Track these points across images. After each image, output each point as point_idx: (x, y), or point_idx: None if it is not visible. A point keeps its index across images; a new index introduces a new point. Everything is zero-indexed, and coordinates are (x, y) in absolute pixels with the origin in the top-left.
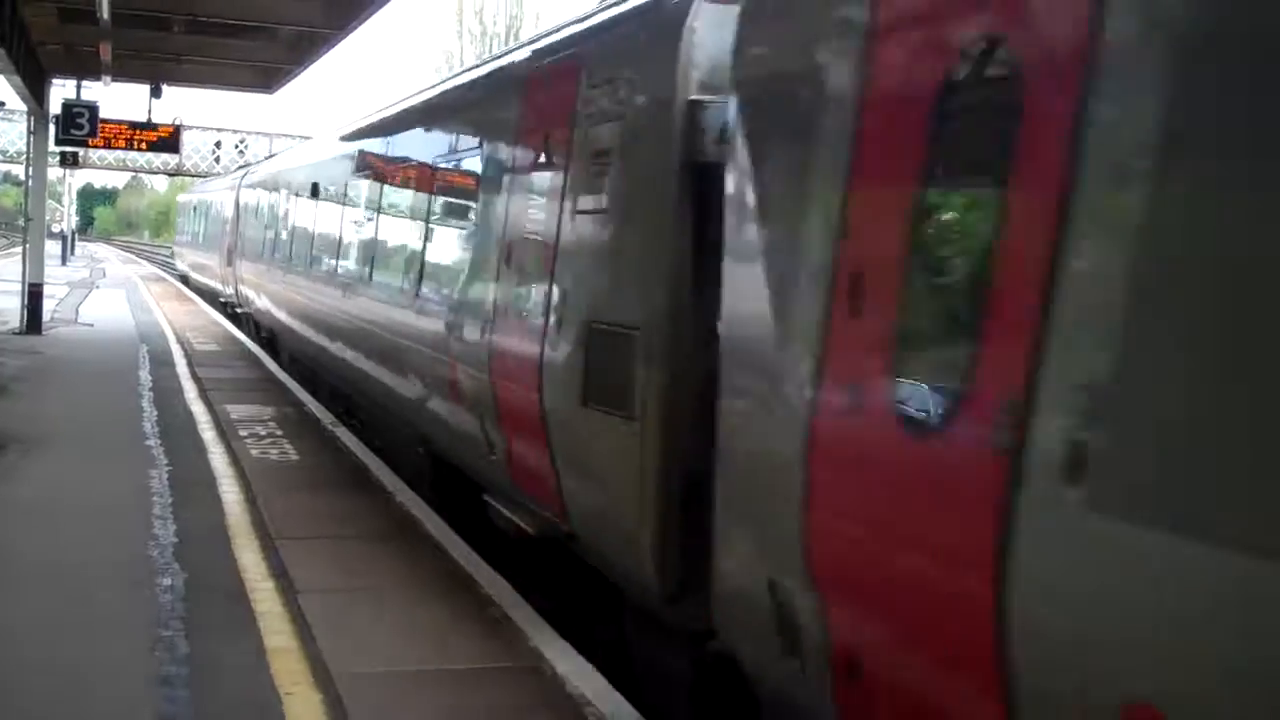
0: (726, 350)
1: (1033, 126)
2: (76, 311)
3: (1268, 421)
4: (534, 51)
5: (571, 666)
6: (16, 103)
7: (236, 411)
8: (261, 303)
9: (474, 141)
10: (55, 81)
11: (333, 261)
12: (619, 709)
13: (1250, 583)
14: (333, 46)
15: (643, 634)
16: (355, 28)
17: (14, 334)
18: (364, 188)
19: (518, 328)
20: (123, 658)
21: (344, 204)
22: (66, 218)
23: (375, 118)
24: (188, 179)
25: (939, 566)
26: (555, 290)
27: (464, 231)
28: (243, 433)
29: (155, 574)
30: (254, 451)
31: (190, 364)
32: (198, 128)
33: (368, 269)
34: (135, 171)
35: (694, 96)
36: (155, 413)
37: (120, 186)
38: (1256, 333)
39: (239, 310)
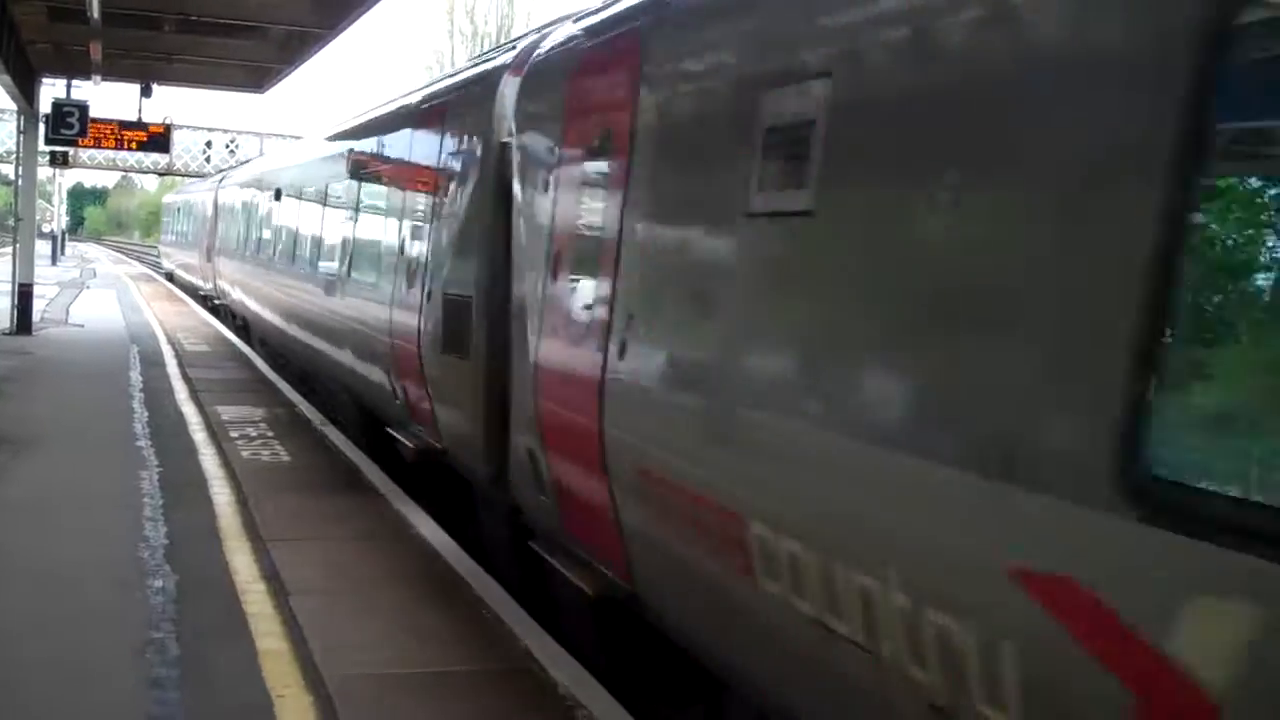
0: (513, 310)
1: (619, 170)
2: (67, 312)
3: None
4: (420, 98)
5: (563, 669)
6: (6, 102)
7: (227, 412)
8: (236, 294)
9: (378, 164)
10: (45, 80)
11: (288, 256)
12: (610, 711)
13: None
14: (323, 46)
15: (486, 511)
16: (345, 27)
17: (3, 334)
18: (305, 196)
19: (405, 301)
20: (113, 659)
21: (294, 209)
22: (57, 217)
23: (316, 142)
24: (178, 179)
25: (584, 421)
26: (429, 272)
27: (373, 232)
28: (234, 434)
29: (146, 575)
30: (245, 453)
31: (181, 364)
32: (188, 127)
33: (313, 262)
34: (126, 171)
35: (502, 139)
36: (146, 414)
37: (110, 186)
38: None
39: (217, 302)
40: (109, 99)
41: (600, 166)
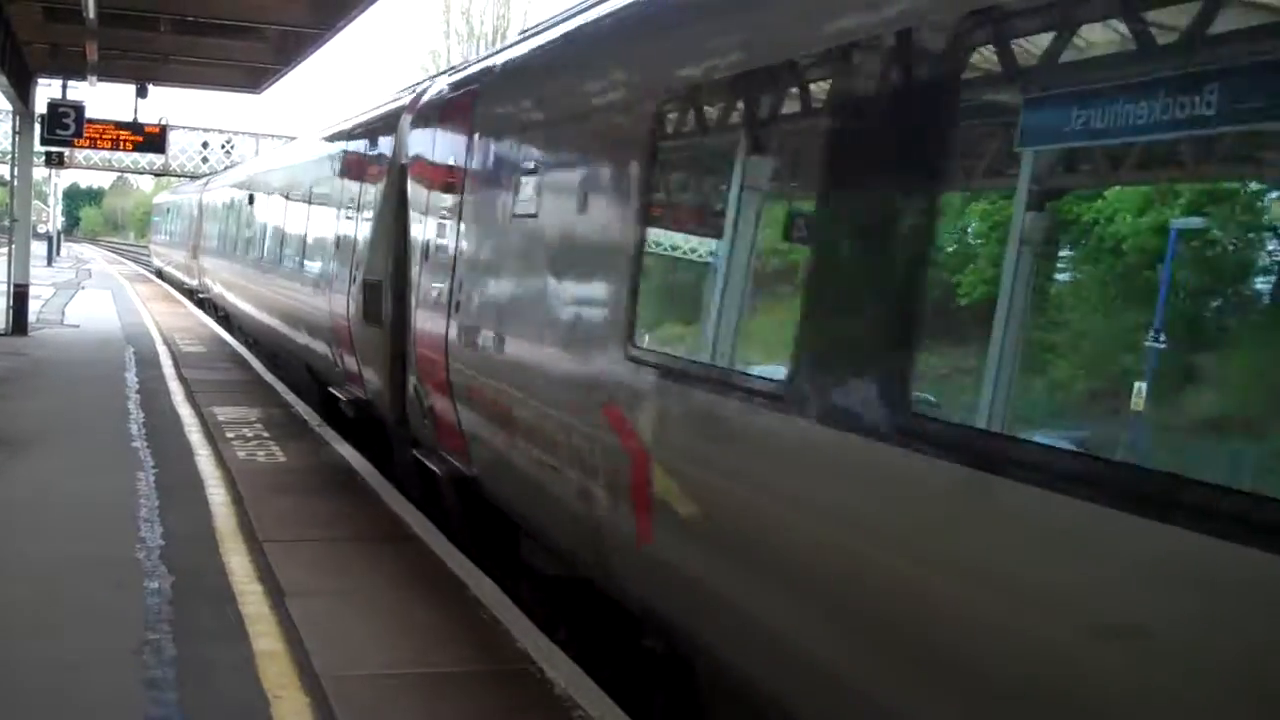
0: (408, 289)
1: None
2: (62, 313)
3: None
4: (350, 126)
5: (560, 669)
6: (1, 102)
7: (223, 413)
8: (217, 289)
9: (318, 178)
10: (41, 81)
11: (258, 251)
12: (607, 711)
13: None
14: (319, 46)
15: (398, 445)
16: (342, 28)
17: None
18: (271, 201)
19: (340, 286)
20: (110, 660)
21: (261, 212)
22: (52, 218)
23: (280, 154)
24: (174, 179)
25: (439, 360)
26: (355, 263)
27: (319, 232)
28: (229, 434)
29: (142, 576)
30: (241, 453)
31: (177, 365)
32: (184, 128)
33: (276, 256)
34: (121, 172)
35: (402, 162)
36: (142, 414)
37: (106, 187)
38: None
39: (202, 296)
40: (105, 100)
41: (449, 188)
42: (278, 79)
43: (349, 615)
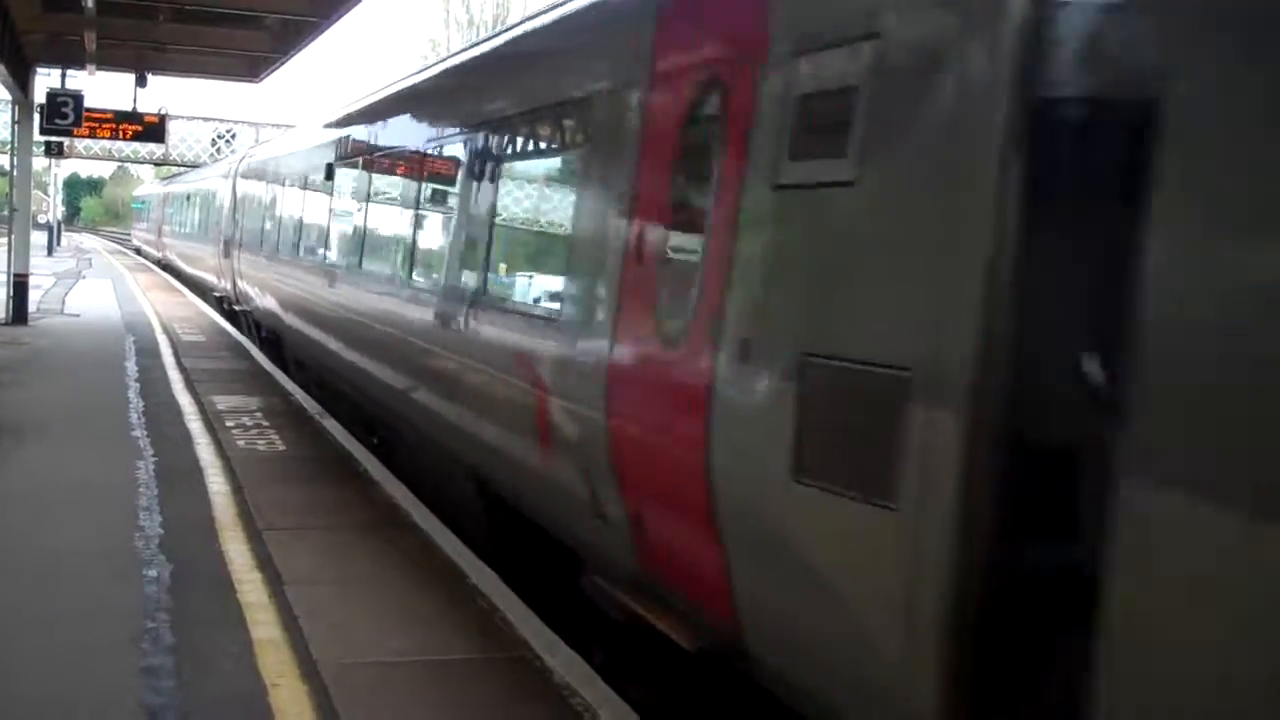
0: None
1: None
2: (63, 302)
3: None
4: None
5: (558, 656)
6: (0, 92)
7: (223, 402)
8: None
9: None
10: (40, 70)
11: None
12: (605, 697)
13: None
14: (318, 35)
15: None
16: (340, 16)
17: (0, 325)
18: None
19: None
20: (107, 648)
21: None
22: (52, 208)
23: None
24: (175, 169)
25: (222, 283)
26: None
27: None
28: (229, 423)
29: (141, 564)
30: (240, 442)
31: (177, 354)
32: (183, 117)
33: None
34: (121, 161)
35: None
36: (142, 403)
37: (106, 176)
38: None
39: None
40: (104, 89)
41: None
42: (277, 68)
43: (348, 603)
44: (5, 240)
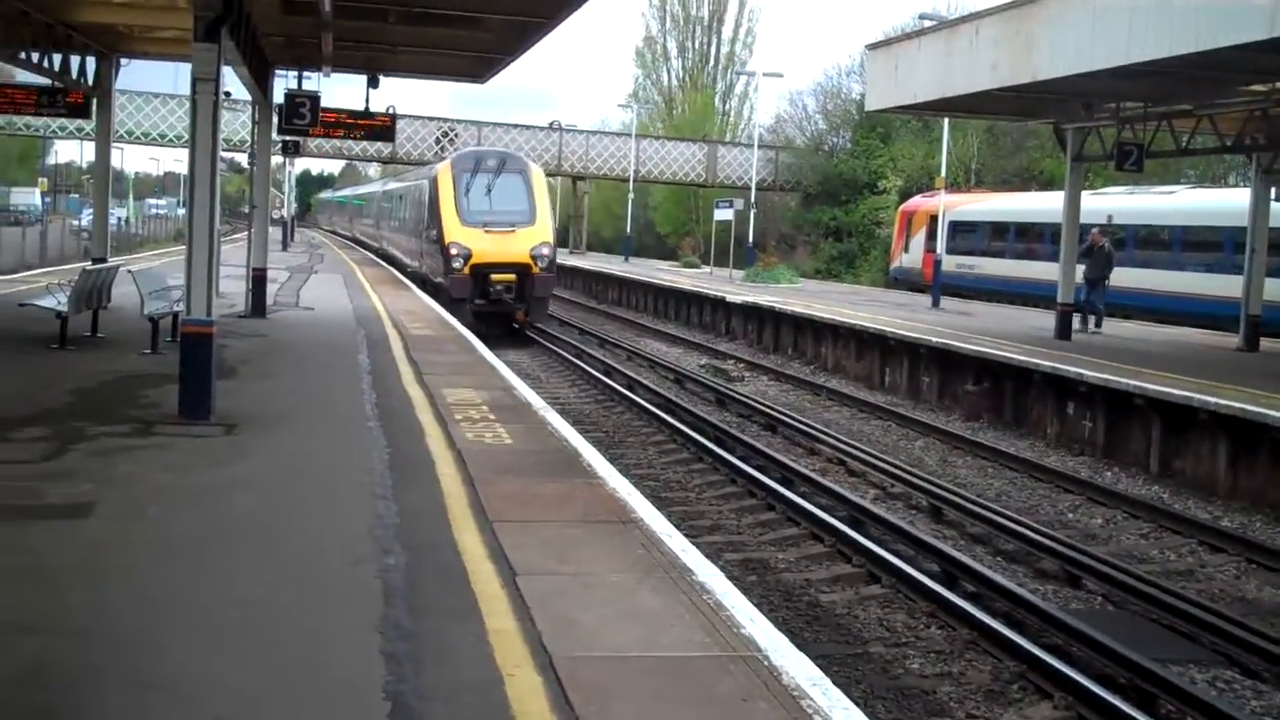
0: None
1: None
2: (297, 295)
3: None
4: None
5: (787, 657)
6: (239, 93)
7: (451, 395)
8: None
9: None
10: (277, 72)
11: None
12: (837, 702)
13: None
14: (544, 35)
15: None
16: (566, 17)
17: (239, 317)
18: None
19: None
20: (350, 633)
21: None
22: (287, 204)
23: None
24: (401, 167)
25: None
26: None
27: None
28: (457, 416)
29: (379, 552)
30: (469, 434)
31: (406, 347)
32: (408, 116)
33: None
34: (350, 159)
35: None
36: (374, 395)
37: (335, 173)
38: None
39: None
40: (329, 89)
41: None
42: (502, 68)
43: (577, 596)
44: (241, 236)
